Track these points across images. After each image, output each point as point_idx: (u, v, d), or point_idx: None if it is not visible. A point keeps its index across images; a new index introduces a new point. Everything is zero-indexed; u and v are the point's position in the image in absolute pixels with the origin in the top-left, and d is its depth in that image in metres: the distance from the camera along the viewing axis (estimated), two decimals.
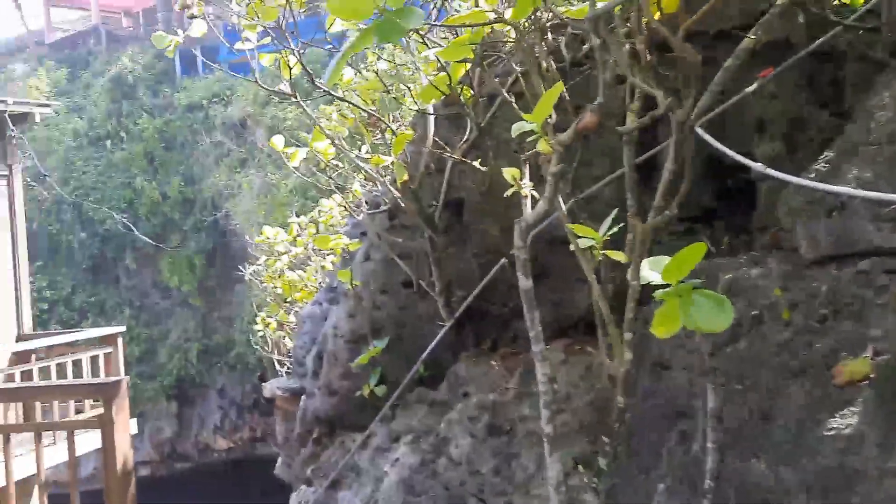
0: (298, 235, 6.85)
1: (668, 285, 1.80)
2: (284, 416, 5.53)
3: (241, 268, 9.43)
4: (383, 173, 3.92)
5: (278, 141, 4.19)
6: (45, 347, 7.17)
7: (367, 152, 4.05)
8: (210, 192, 19.79)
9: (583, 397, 2.80)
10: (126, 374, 18.52)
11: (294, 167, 4.44)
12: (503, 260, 3.58)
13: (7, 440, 3.64)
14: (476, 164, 3.39)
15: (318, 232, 7.27)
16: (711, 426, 1.74)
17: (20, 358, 7.61)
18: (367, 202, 4.34)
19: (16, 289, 7.98)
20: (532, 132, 1.75)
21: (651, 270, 1.89)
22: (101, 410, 3.44)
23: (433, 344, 3.92)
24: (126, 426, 3.41)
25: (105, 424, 3.33)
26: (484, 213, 3.84)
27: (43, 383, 3.64)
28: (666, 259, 1.95)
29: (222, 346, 20.27)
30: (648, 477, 2.31)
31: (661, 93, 1.64)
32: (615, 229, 1.98)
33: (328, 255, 7.04)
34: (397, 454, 3.78)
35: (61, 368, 7.12)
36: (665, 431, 2.35)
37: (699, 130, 2.33)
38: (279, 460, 5.51)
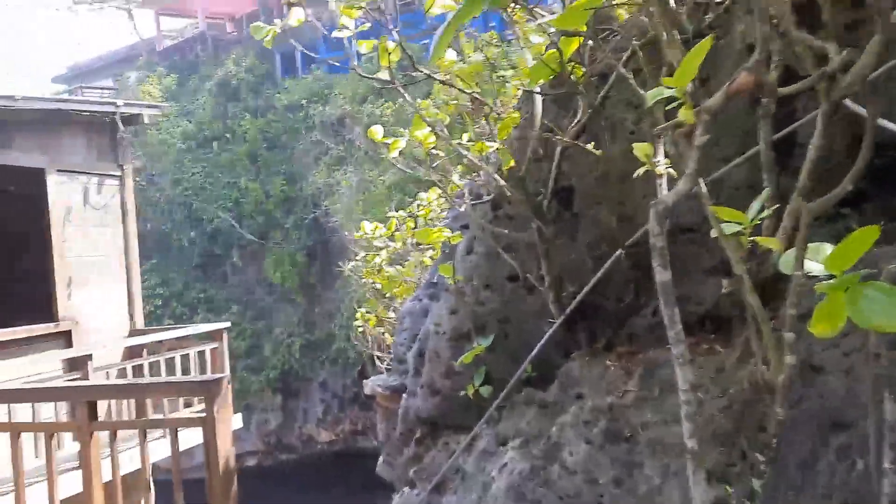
0: (397, 230, 6.72)
1: (827, 277, 1.52)
2: (385, 414, 5.41)
3: (339, 264, 9.43)
4: (487, 161, 3.70)
5: (377, 130, 4.03)
6: (155, 342, 7.35)
7: (469, 140, 3.84)
8: (310, 189, 20.10)
9: (715, 404, 2.51)
10: (233, 368, 19.02)
11: (393, 158, 4.27)
12: (619, 251, 3.31)
13: (114, 436, 3.64)
14: (589, 147, 3.13)
15: (416, 226, 7.13)
16: (890, 442, 1.45)
17: (132, 353, 7.83)
18: (469, 192, 4.13)
19: (128, 285, 8.22)
20: (669, 100, 1.51)
21: (810, 259, 1.61)
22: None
23: (542, 342, 3.68)
24: (228, 424, 3.32)
25: (207, 423, 3.26)
26: (597, 200, 3.57)
27: (149, 381, 3.62)
28: (827, 246, 1.66)
29: (323, 340, 20.61)
30: (801, 497, 2.00)
31: (833, 46, 1.37)
32: (767, 212, 1.70)
33: (427, 249, 6.89)
34: (505, 459, 3.57)
35: (170, 363, 7.27)
36: (819, 445, 2.04)
37: (849, 102, 2.01)
38: (381, 459, 5.40)
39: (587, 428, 3.21)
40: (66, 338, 7.33)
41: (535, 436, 3.52)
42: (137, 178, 8.99)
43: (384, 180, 15.91)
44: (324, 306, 20.74)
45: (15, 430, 3.99)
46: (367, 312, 7.36)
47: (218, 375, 3.34)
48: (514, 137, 3.47)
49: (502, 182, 3.56)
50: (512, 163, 3.39)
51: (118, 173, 8.15)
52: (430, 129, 3.84)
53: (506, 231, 3.83)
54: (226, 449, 3.31)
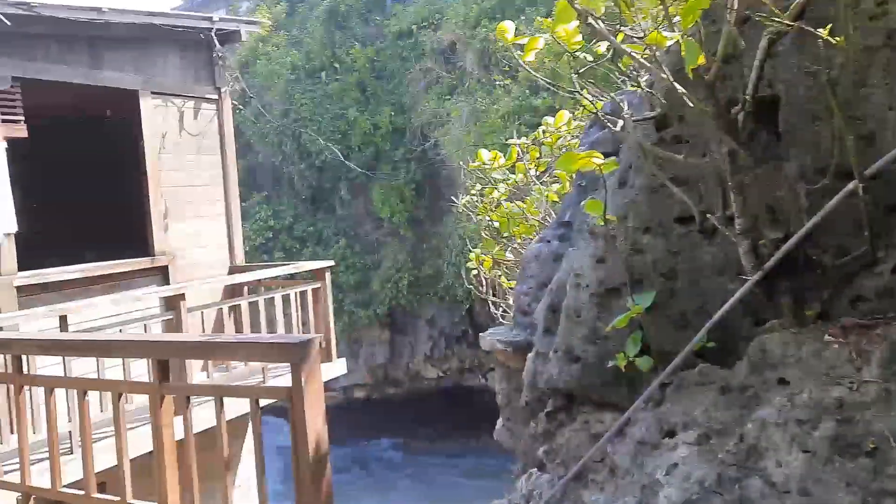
0: (519, 159, 5.83)
1: None
2: (506, 374, 4.65)
3: (452, 198, 8.63)
4: (656, 61, 2.74)
5: (508, 27, 3.12)
6: (255, 281, 6.84)
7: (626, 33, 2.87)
8: (419, 121, 19.39)
9: None
10: (341, 302, 18.81)
11: (526, 65, 3.36)
12: (851, 184, 2.36)
13: (188, 402, 3.02)
14: (822, 32, 2.13)
15: (540, 156, 6.20)
16: None
17: (233, 292, 7.39)
18: (626, 106, 3.18)
19: (227, 218, 7.75)
20: None
21: None
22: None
23: (728, 305, 2.77)
24: (318, 397, 2.62)
25: (293, 395, 2.56)
26: (816, 113, 2.58)
27: (226, 338, 2.97)
28: None
29: (432, 277, 20.18)
30: None
31: None
32: None
33: (554, 182, 5.97)
34: (675, 456, 2.72)
35: (270, 303, 6.77)
36: None
37: None
38: (499, 422, 4.67)
39: (803, 430, 2.32)
40: (163, 273, 6.95)
41: (717, 430, 2.65)
42: (238, 106, 8.41)
43: (498, 109, 14.94)
44: (432, 242, 20.24)
45: (81, 387, 3.46)
46: (481, 254, 6.57)
47: (306, 337, 2.63)
48: (704, 25, 2.50)
49: (681, 88, 2.61)
50: (701, 59, 2.43)
51: (215, 96, 7.60)
52: (579, 21, 2.89)
53: (678, 156, 2.89)
54: (317, 429, 2.61)
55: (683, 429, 2.78)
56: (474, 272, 7.17)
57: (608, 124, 3.22)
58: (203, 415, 5.62)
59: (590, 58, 3.49)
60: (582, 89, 3.69)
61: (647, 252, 3.06)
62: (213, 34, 7.12)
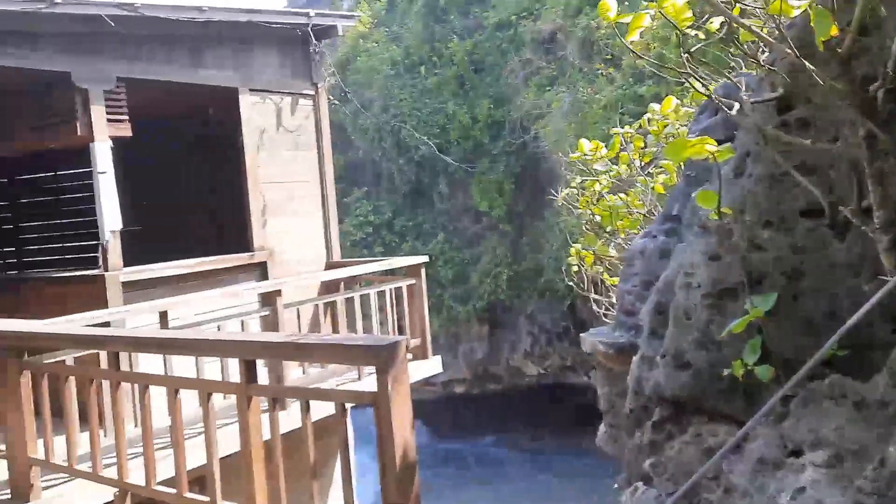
0: (622, 149, 5.51)
1: None
2: (609, 377, 4.38)
3: (553, 192, 8.35)
4: (780, 34, 2.44)
5: (611, 4, 2.87)
6: (350, 277, 6.80)
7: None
8: (518, 113, 19.10)
9: None
10: (439, 297, 18.81)
11: (629, 45, 3.09)
12: None
13: (274, 404, 2.92)
14: None
15: (645, 146, 5.86)
16: None
17: (329, 288, 7.38)
18: (744, 88, 2.87)
19: (324, 214, 7.75)
20: None
21: None
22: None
23: (864, 308, 2.43)
24: (405, 403, 2.47)
25: (379, 400, 2.41)
26: None
27: (310, 340, 2.86)
28: None
29: (531, 272, 19.88)
30: None
31: None
32: None
33: (661, 173, 5.63)
34: (801, 480, 2.42)
35: (365, 300, 6.72)
36: None
37: None
38: (601, 428, 4.41)
39: None
40: (261, 269, 7.01)
41: (852, 452, 2.33)
42: (335, 101, 8.41)
43: (600, 99, 14.49)
44: (532, 236, 19.94)
45: (172, 385, 3.43)
46: (583, 249, 6.28)
47: (392, 339, 2.48)
48: None
49: (809, 66, 2.30)
50: (834, 31, 2.12)
51: (312, 92, 7.60)
52: None
53: (804, 141, 2.57)
54: (404, 436, 2.45)
55: (811, 448, 2.48)
56: (575, 268, 6.89)
57: (723, 107, 2.91)
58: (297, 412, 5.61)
59: (701, 35, 3.19)
60: (692, 71, 3.38)
61: (768, 249, 2.75)
62: (309, 30, 7.12)
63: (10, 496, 4.46)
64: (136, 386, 3.80)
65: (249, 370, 3.10)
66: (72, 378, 4.10)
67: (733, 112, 2.97)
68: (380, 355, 2.58)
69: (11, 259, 10.43)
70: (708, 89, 3.45)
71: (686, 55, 3.13)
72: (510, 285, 20.19)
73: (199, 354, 3.50)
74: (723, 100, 3.12)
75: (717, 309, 2.93)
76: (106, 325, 5.48)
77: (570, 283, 7.86)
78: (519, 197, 19.86)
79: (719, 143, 3.21)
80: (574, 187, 6.31)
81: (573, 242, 6.94)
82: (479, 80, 20.40)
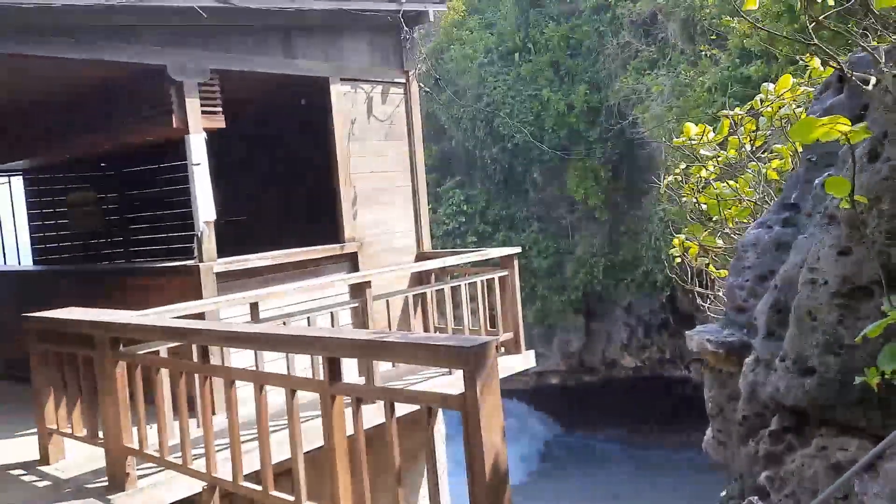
0: (732, 133, 5.12)
1: None
2: (717, 379, 4.05)
3: (654, 179, 7.95)
4: None
5: None
6: (441, 268, 6.65)
7: None
8: (616, 98, 18.54)
9: None
10: (533, 288, 18.50)
11: (745, 16, 2.78)
12: None
13: (358, 405, 2.78)
14: None
15: (757, 129, 5.43)
16: None
17: (420, 279, 7.25)
18: (886, 60, 2.52)
19: (415, 204, 7.62)
20: None
21: None
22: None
23: None
24: (496, 409, 2.27)
25: (467, 406, 2.22)
26: None
27: (394, 338, 2.70)
28: None
29: (629, 262, 19.35)
30: None
31: None
32: None
33: (773, 157, 5.20)
34: None
35: (455, 291, 6.55)
36: None
37: None
38: (708, 433, 4.09)
39: None
40: (352, 260, 6.94)
41: None
42: (426, 89, 8.25)
43: (703, 81, 13.82)
44: (629, 225, 19.37)
45: (257, 380, 3.34)
46: (687, 239, 5.91)
47: (481, 339, 2.29)
48: None
49: None
50: None
51: (403, 80, 7.47)
52: None
53: None
54: (494, 445, 2.25)
55: None
56: (678, 259, 6.52)
57: (858, 82, 2.57)
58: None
59: (831, 1, 2.83)
60: (814, 45, 3.02)
61: None
62: (400, 16, 6.99)
63: (107, 484, 4.53)
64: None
65: (333, 368, 2.97)
66: (164, 369, 4.11)
67: (870, 87, 2.61)
68: (467, 358, 2.39)
69: (119, 248, 10.83)
70: (837, 62, 3.08)
71: (811, 23, 2.79)
72: (606, 275, 19.70)
73: (282, 350, 3.41)
74: (857, 74, 2.76)
75: (847, 309, 2.61)
76: (200, 316, 5.53)
77: (672, 275, 7.47)
78: (616, 185, 19.33)
79: (863, 117, 2.86)
80: (678, 174, 5.93)
81: (675, 232, 6.55)
82: (576, 65, 19.90)
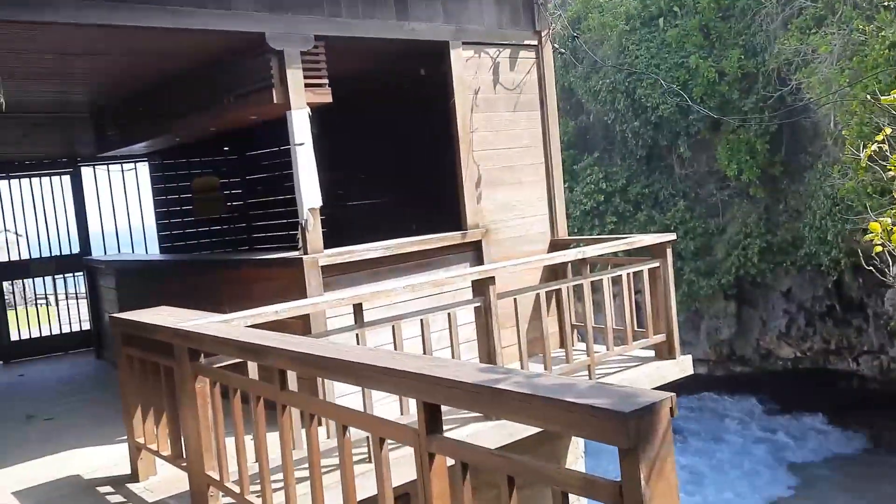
0: None
1: None
2: None
3: (820, 149, 6.61)
4: None
5: None
6: (580, 259, 5.69)
7: None
8: (775, 62, 16.68)
9: None
10: (679, 270, 17.03)
11: None
12: None
13: (465, 470, 1.95)
14: None
15: None
16: None
17: (553, 269, 6.33)
18: None
19: (548, 185, 6.68)
20: None
21: None
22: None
23: None
24: (672, 497, 1.35)
25: (626, 494, 1.33)
26: None
27: (514, 386, 1.85)
28: None
29: (788, 243, 17.52)
30: None
31: None
32: None
33: None
34: None
35: (597, 286, 5.58)
36: None
37: None
38: None
39: None
40: (475, 249, 6.11)
41: None
42: (562, 50, 7.22)
43: (885, 37, 11.94)
44: (789, 203, 17.50)
45: (341, 420, 2.58)
46: (892, 223, 4.69)
47: (647, 399, 1.43)
48: None
49: None
50: None
51: (534, 42, 6.51)
52: None
53: None
54: None
55: None
56: (878, 247, 5.26)
57: None
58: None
59: None
60: None
61: None
62: None
63: None
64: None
65: (432, 416, 2.17)
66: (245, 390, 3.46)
67: None
68: (626, 427, 1.52)
69: (242, 235, 10.57)
70: None
71: None
72: (762, 258, 17.93)
73: (364, 385, 2.64)
74: None
75: None
76: (305, 317, 4.90)
77: (869, 267, 6.19)
78: (774, 158, 17.48)
79: None
80: (881, 141, 4.69)
81: (845, 211, 5.28)
82: (728, 28, 18.12)
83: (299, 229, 5.36)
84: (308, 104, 5.33)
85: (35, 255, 11.65)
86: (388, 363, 2.28)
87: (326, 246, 5.44)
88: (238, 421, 3.48)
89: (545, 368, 5.33)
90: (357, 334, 4.39)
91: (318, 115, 5.51)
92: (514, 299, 5.13)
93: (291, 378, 3.10)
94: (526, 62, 6.55)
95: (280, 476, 3.26)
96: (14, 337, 11.03)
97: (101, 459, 5.36)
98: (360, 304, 4.40)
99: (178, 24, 4.87)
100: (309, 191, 5.28)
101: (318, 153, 5.40)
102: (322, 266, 5.28)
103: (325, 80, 5.47)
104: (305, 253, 5.30)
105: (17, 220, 11.00)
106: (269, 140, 9.08)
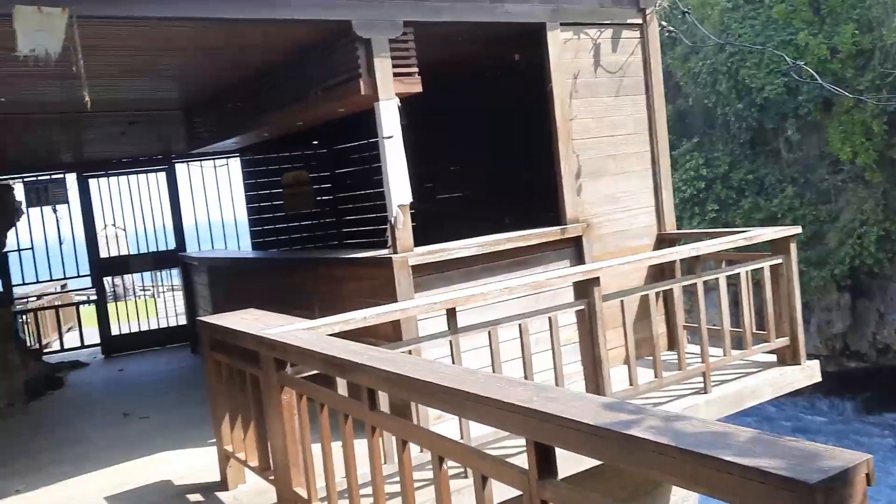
0: None
1: None
2: None
3: None
4: None
5: None
6: (693, 256, 5.19)
7: None
8: (893, 37, 15.47)
9: None
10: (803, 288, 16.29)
11: None
12: None
13: None
14: None
15: None
16: None
17: (661, 268, 5.85)
18: None
19: (654, 175, 6.18)
20: None
21: None
22: None
23: None
24: None
25: None
26: None
27: (648, 429, 1.49)
28: None
29: None
30: None
31: None
32: None
33: None
34: None
35: (712, 287, 5.08)
36: None
37: None
38: None
39: None
40: (575, 246, 5.69)
41: None
42: (670, 28, 6.69)
43: None
44: None
45: (437, 451, 2.27)
46: None
47: (836, 466, 1.06)
48: None
49: None
50: None
51: (639, 20, 6.02)
52: None
53: None
54: None
55: None
56: None
57: None
58: None
59: None
60: None
61: None
62: None
63: None
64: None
65: (544, 457, 1.83)
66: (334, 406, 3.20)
67: None
68: (811, 503, 1.12)
69: (332, 231, 10.46)
70: None
71: None
72: (880, 247, 16.75)
73: (467, 417, 2.31)
74: None
75: None
76: (397, 325, 4.63)
77: None
78: (892, 141, 16.26)
79: None
80: None
81: None
82: (840, 1, 16.93)
83: (388, 227, 5.09)
84: (397, 94, 5.04)
85: (133, 250, 11.88)
86: (492, 392, 1.95)
87: (417, 242, 5.14)
88: (325, 437, 3.23)
89: (655, 375, 4.88)
90: (451, 341, 4.08)
91: (407, 105, 5.21)
92: (622, 303, 4.70)
93: (383, 395, 2.82)
94: (629, 42, 6.07)
95: (369, 491, 2.99)
96: (115, 331, 11.29)
97: (191, 463, 5.26)
98: (454, 310, 4.09)
99: (260, 15, 4.66)
100: (398, 186, 5.00)
101: (408, 145, 5.10)
102: (412, 266, 4.99)
103: (415, 69, 5.16)
104: (395, 252, 5.02)
105: (116, 217, 11.25)
106: (359, 132, 8.87)
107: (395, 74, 5.07)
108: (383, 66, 5.01)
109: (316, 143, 10.26)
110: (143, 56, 5.51)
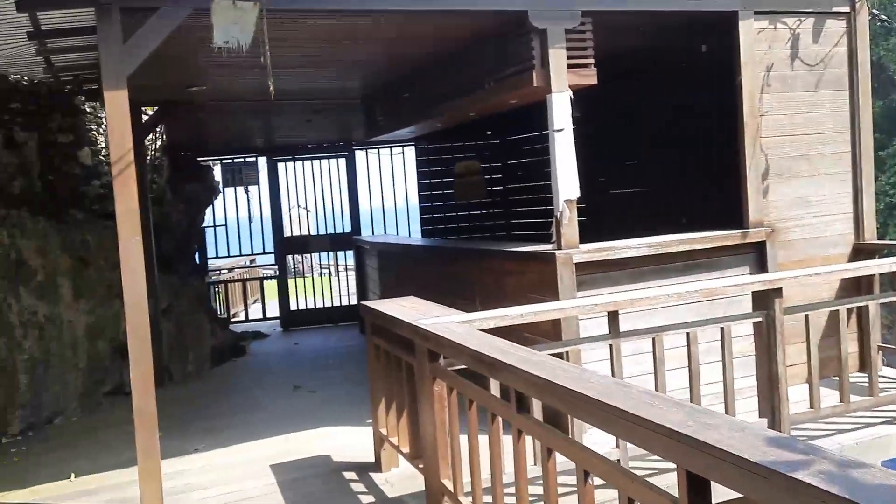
0: None
1: None
2: None
3: None
4: None
5: None
6: (894, 272, 4.65)
7: None
8: None
9: None
10: None
11: None
12: None
13: None
14: None
15: None
16: None
17: (857, 282, 5.29)
18: None
19: (854, 177, 5.59)
20: None
21: None
22: None
23: None
24: None
25: None
26: None
27: (833, 483, 1.28)
28: None
29: None
30: None
31: None
32: None
33: None
34: None
35: None
36: None
37: None
38: None
39: None
40: (757, 252, 5.26)
41: None
42: (884, 16, 6.06)
43: None
44: None
45: (582, 465, 2.14)
46: None
47: None
48: None
49: None
50: None
51: (846, 9, 5.45)
52: None
53: None
54: None
55: None
56: None
57: None
58: None
59: None
60: None
61: None
62: None
63: None
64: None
65: (695, 489, 1.66)
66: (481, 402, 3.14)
67: None
68: None
69: (501, 221, 10.42)
70: None
71: None
72: None
73: (614, 434, 2.14)
74: None
75: None
76: (557, 321, 4.50)
77: None
78: None
79: None
80: None
81: None
82: None
83: (553, 221, 4.96)
84: (570, 86, 4.88)
85: (314, 231, 12.48)
86: (642, 410, 1.80)
87: (585, 239, 4.97)
88: (472, 434, 3.18)
89: (841, 399, 4.43)
90: (611, 344, 3.90)
91: (581, 97, 5.04)
92: (806, 316, 4.29)
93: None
94: (834, 33, 5.52)
95: (512, 490, 2.91)
96: (293, 306, 11.95)
97: (349, 441, 5.43)
98: (616, 313, 3.90)
99: (433, 6, 4.68)
100: (566, 180, 4.84)
101: (580, 138, 4.93)
102: (576, 263, 4.83)
103: (591, 60, 4.98)
104: (559, 247, 4.88)
105: (300, 199, 11.90)
106: (531, 123, 8.76)
107: (570, 66, 4.91)
108: (558, 58, 4.87)
109: (489, 133, 10.26)
110: (327, 47, 5.70)
